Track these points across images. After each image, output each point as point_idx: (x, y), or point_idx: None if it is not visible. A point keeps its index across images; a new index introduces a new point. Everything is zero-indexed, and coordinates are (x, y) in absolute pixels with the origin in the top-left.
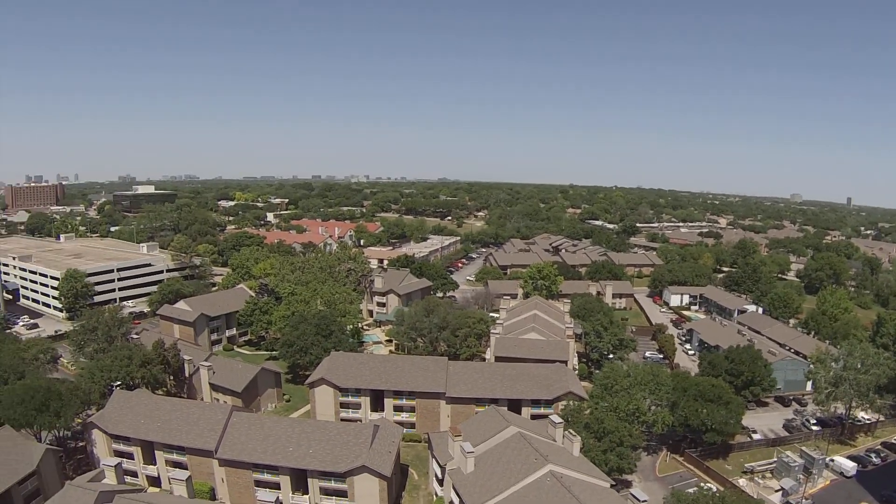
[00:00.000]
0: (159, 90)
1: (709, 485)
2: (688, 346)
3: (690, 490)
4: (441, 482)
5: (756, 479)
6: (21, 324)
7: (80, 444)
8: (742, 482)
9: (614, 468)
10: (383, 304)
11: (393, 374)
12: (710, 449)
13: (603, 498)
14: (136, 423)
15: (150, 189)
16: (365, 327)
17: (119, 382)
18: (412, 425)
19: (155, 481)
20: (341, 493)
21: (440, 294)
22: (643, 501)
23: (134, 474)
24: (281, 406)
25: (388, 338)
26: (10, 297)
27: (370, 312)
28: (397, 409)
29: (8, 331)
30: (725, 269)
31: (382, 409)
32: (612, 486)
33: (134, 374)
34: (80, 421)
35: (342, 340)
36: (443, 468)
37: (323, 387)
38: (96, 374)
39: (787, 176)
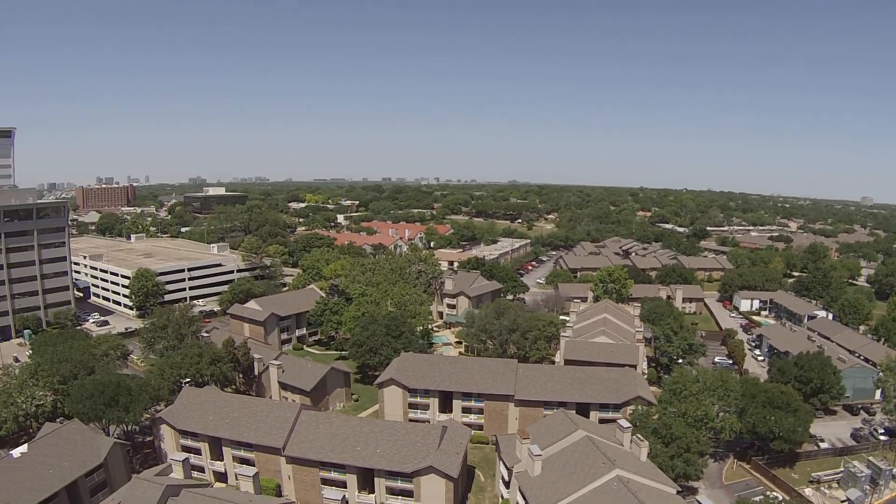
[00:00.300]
0: (230, 93)
1: (775, 494)
2: (757, 351)
3: (756, 499)
4: (507, 485)
5: (822, 489)
6: (91, 321)
7: (148, 438)
8: (808, 492)
9: (681, 474)
10: (453, 306)
11: (462, 375)
12: (777, 457)
13: None
14: (205, 420)
15: (221, 191)
16: (435, 329)
17: (188, 379)
18: (480, 427)
19: (221, 477)
20: (407, 493)
21: (510, 296)
22: None
23: (201, 469)
24: (349, 405)
25: (457, 339)
26: (81, 294)
27: (440, 314)
28: (465, 410)
29: (79, 327)
30: (795, 273)
31: (451, 411)
32: (678, 492)
33: (204, 371)
34: (148, 416)
35: (412, 341)
36: (510, 470)
37: (392, 387)
38: (166, 370)
39: (859, 178)
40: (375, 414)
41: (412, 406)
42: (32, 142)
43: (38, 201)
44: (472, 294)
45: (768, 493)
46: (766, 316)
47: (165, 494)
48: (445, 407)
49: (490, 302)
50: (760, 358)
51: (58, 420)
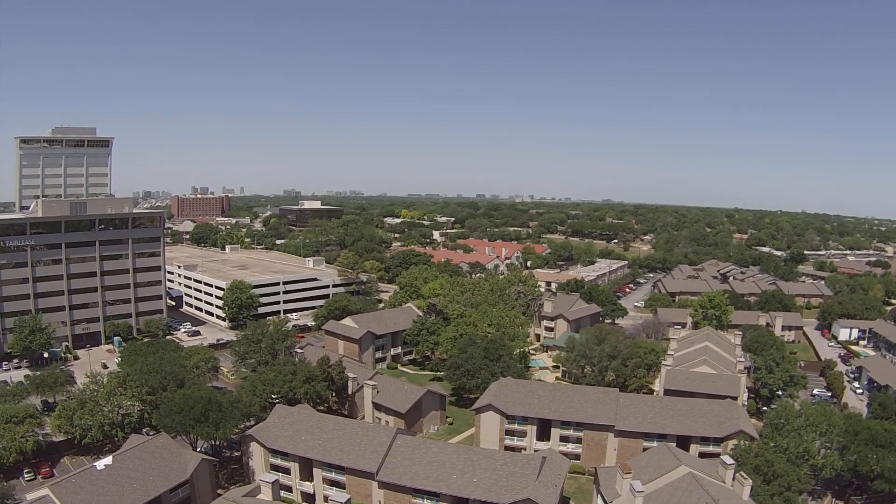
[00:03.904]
0: (326, 110)
1: None
2: (856, 384)
3: None
4: None
5: None
6: (183, 330)
7: (236, 454)
8: None
9: None
10: (551, 329)
11: (562, 403)
12: (875, 497)
13: None
14: (296, 439)
15: (316, 204)
16: (532, 351)
17: (277, 397)
18: (577, 456)
19: (309, 497)
20: None
21: (609, 320)
22: None
23: (288, 489)
24: (444, 428)
25: (554, 363)
26: (174, 303)
27: (537, 336)
28: (563, 439)
29: (169, 336)
30: (894, 301)
31: (548, 439)
32: None
33: (297, 389)
34: (237, 431)
35: (510, 365)
36: None
37: (489, 413)
38: (258, 386)
39: None
40: (470, 438)
41: (509, 433)
42: (130, 151)
43: (134, 210)
44: (572, 317)
45: None
46: (865, 346)
47: None
48: (543, 435)
49: (589, 326)
50: (860, 391)
51: (144, 431)
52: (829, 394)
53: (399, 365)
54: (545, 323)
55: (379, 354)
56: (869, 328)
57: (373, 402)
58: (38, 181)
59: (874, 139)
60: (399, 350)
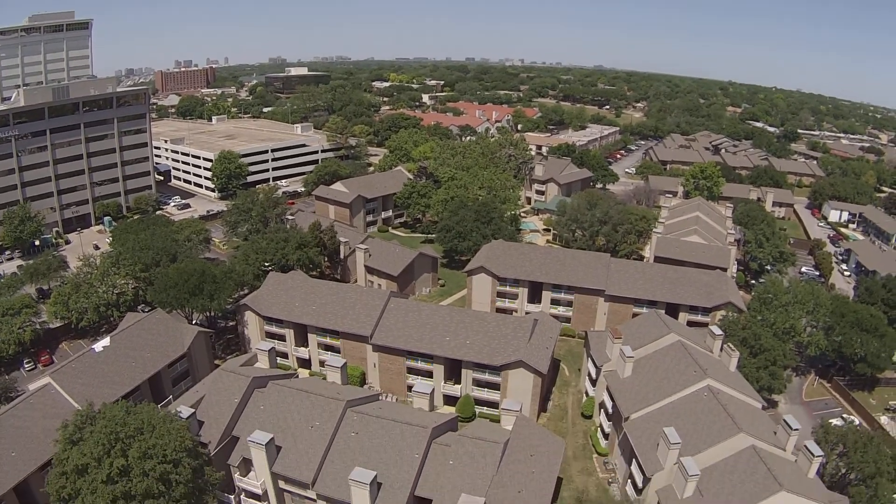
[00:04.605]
0: None
1: (852, 417)
2: (844, 266)
3: (834, 421)
4: (594, 382)
5: None
6: (173, 204)
7: (231, 324)
8: (884, 420)
9: (764, 387)
10: (542, 192)
11: (553, 266)
12: (857, 380)
13: (755, 419)
14: (291, 306)
15: (303, 70)
16: (523, 214)
17: (270, 264)
18: (567, 320)
19: (305, 363)
20: (493, 386)
21: (599, 185)
22: (795, 430)
23: (284, 356)
24: (436, 291)
25: (545, 226)
26: (162, 178)
27: (528, 200)
28: (554, 302)
29: (159, 211)
30: (886, 189)
31: (539, 302)
32: (762, 406)
33: (290, 256)
34: (232, 302)
35: (502, 228)
36: (598, 369)
37: (481, 275)
38: (251, 255)
39: None
40: (462, 300)
41: (500, 295)
42: (110, 31)
43: (118, 90)
44: (563, 181)
45: (846, 416)
46: (855, 230)
47: (251, 387)
48: (534, 297)
49: (580, 190)
50: (847, 273)
51: (139, 308)
52: (817, 273)
53: (390, 228)
54: (536, 186)
55: (370, 218)
56: (859, 212)
57: (365, 266)
58: (18, 71)
59: (875, 28)
60: (390, 213)
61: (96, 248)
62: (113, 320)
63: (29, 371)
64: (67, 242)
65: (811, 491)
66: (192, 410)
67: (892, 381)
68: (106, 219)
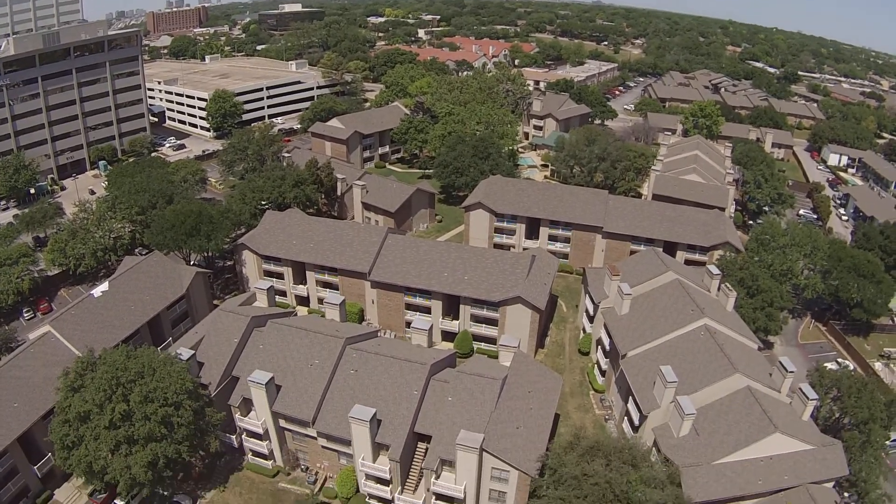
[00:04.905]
0: None
1: (847, 362)
2: (842, 210)
3: (829, 365)
4: (591, 319)
5: (892, 366)
6: (168, 145)
7: (228, 263)
8: (878, 366)
9: (761, 328)
10: (540, 128)
11: (551, 202)
12: (852, 325)
13: (751, 360)
14: (288, 244)
15: (297, 7)
16: (521, 150)
17: (267, 203)
18: (565, 256)
19: (303, 301)
20: (491, 321)
21: (598, 122)
22: (791, 372)
23: (283, 294)
24: (433, 226)
25: (543, 162)
26: (156, 119)
27: (526, 135)
28: (552, 238)
29: (154, 153)
30: (886, 135)
31: (537, 238)
32: (758, 347)
33: (286, 194)
34: (229, 241)
35: (499, 163)
36: (596, 305)
37: (479, 211)
38: (247, 194)
39: None
40: (459, 235)
41: (498, 231)
42: None
43: (109, 33)
44: (561, 117)
45: (840, 360)
46: (854, 175)
47: (250, 326)
48: (532, 233)
49: (578, 126)
50: (845, 218)
51: (137, 252)
52: (815, 216)
53: (387, 164)
54: (534, 122)
55: (366, 154)
56: (859, 157)
57: (362, 203)
58: (7, 19)
59: None
60: (387, 149)
61: (92, 192)
62: (111, 265)
63: (28, 320)
64: (63, 189)
65: (805, 434)
66: (192, 352)
67: (888, 328)
68: (101, 163)
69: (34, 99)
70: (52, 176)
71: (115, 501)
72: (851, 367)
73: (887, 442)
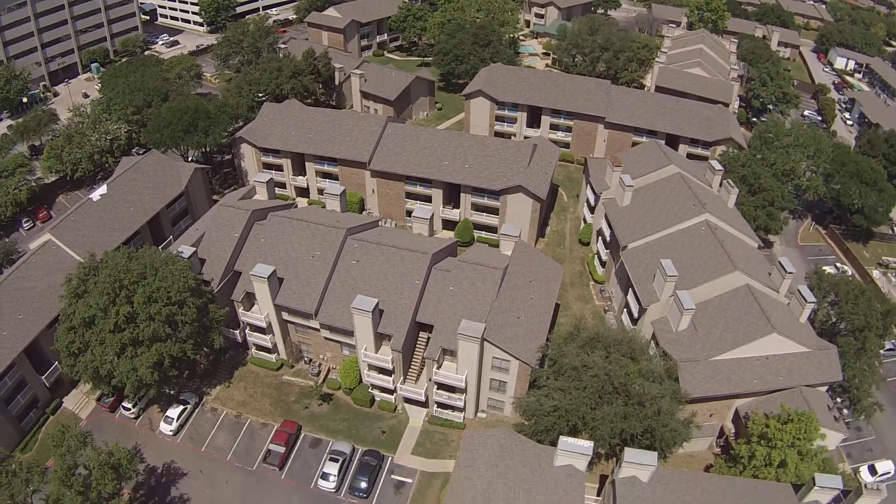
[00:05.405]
0: None
1: (845, 267)
2: (847, 115)
3: (828, 268)
4: (592, 209)
5: (889, 275)
6: (161, 42)
7: (227, 157)
8: (876, 274)
9: (761, 226)
10: (542, 16)
11: (553, 91)
12: (852, 231)
13: (751, 258)
14: (287, 135)
15: None
16: (521, 38)
17: (264, 95)
18: (566, 145)
19: (303, 192)
20: (492, 210)
21: (601, 11)
22: (790, 273)
23: (282, 186)
24: (433, 115)
25: (544, 51)
26: (148, 17)
27: (527, 23)
28: (553, 127)
29: (147, 51)
30: (895, 43)
31: (538, 126)
32: (758, 246)
33: (284, 85)
34: (227, 135)
35: (500, 51)
36: (597, 196)
37: (479, 99)
38: (244, 87)
39: None
40: (459, 124)
41: (499, 119)
42: None
43: None
44: (563, 5)
45: (839, 265)
46: (860, 80)
47: (251, 220)
48: (533, 122)
49: (581, 15)
50: (850, 123)
51: (133, 152)
52: (820, 118)
53: (385, 52)
54: (535, 10)
55: (364, 43)
56: (866, 63)
57: (361, 92)
58: None
59: None
60: (385, 37)
61: (86, 96)
62: (108, 167)
63: (28, 230)
64: (56, 95)
65: (801, 336)
66: (193, 249)
67: (887, 237)
68: (93, 65)
69: (21, 8)
70: (44, 83)
71: (123, 404)
72: (850, 273)
73: (882, 351)
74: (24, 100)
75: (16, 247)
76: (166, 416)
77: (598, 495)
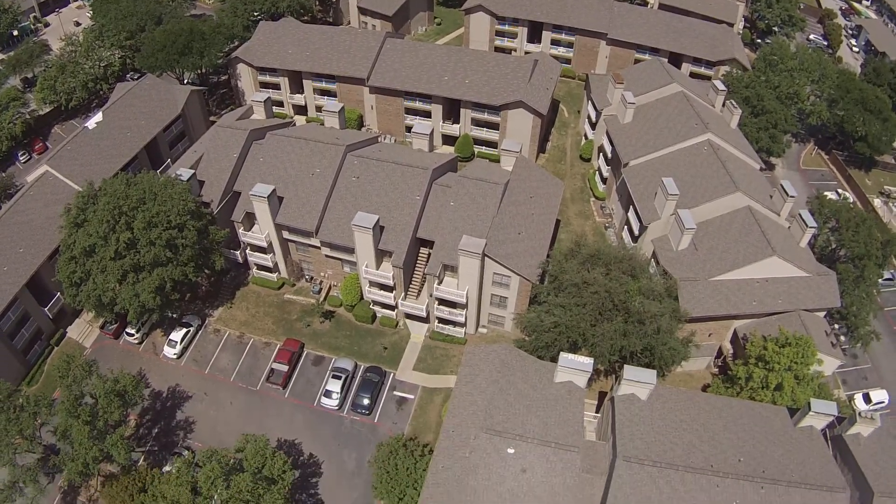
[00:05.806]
0: None
1: (846, 194)
2: (853, 42)
3: (829, 194)
4: (593, 126)
5: (890, 204)
6: None
7: (223, 78)
8: (877, 202)
9: (763, 148)
10: None
11: (554, 6)
12: (855, 158)
13: (753, 180)
14: (284, 54)
15: None
16: None
17: (260, 14)
18: (567, 61)
19: (301, 110)
20: (493, 126)
21: None
22: (791, 196)
23: (280, 104)
24: (432, 30)
25: None
26: None
27: None
28: (554, 42)
29: None
30: None
31: (539, 42)
32: (760, 168)
33: (279, 3)
34: (223, 56)
35: None
36: (598, 112)
37: (480, 13)
38: (238, 6)
39: None
40: (459, 38)
41: (499, 34)
42: None
43: None
44: None
45: (840, 191)
46: (868, 6)
47: (249, 140)
48: (534, 37)
49: None
50: (856, 50)
51: (128, 77)
52: (826, 43)
53: None
54: None
55: None
56: None
57: (358, 7)
58: None
59: None
60: None
61: (77, 24)
62: (103, 94)
63: (25, 163)
64: (47, 25)
65: (801, 260)
66: (192, 171)
67: (889, 167)
68: None
69: None
70: (34, 14)
71: (127, 330)
72: (851, 200)
73: (880, 280)
74: (15, 33)
75: (13, 180)
76: (170, 339)
77: (597, 412)
